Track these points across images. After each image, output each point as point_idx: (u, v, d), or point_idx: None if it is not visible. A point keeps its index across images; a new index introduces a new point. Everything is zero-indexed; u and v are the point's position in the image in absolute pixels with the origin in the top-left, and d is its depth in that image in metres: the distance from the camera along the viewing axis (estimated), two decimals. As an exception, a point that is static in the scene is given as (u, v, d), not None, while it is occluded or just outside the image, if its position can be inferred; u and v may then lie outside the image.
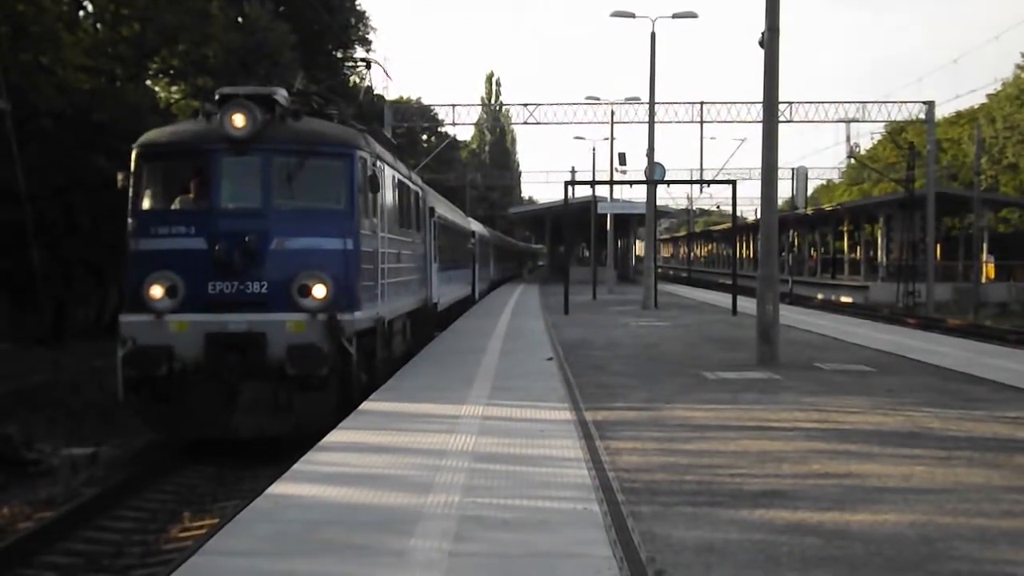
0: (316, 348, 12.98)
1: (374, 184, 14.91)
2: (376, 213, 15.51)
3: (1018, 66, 76.80)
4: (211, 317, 13.20)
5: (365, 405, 13.02)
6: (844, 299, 57.74)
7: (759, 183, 18.46)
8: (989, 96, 77.56)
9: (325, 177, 14.25)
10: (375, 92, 55.81)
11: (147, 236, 13.77)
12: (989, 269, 62.60)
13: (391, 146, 19.90)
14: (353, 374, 13.57)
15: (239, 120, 13.52)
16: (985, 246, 61.88)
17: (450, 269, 30.60)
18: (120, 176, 14.18)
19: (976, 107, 79.20)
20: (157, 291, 13.27)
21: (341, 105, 16.97)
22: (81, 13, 30.99)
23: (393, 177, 17.71)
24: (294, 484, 8.54)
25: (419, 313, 21.69)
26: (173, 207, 14.17)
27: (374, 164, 15.21)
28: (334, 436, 10.77)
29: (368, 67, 31.73)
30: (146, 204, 14.14)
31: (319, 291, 13.42)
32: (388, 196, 16.86)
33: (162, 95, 33.73)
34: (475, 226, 43.53)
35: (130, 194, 14.07)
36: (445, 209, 30.89)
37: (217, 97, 14.22)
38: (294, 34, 36.14)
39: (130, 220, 14.04)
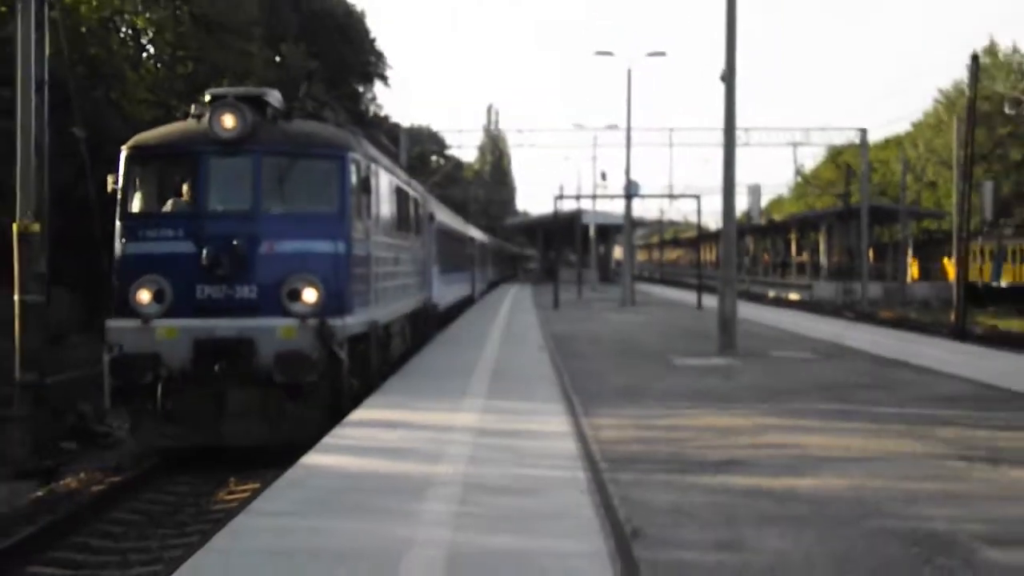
0: (305, 355, 10.94)
1: (367, 186, 12.87)
2: (370, 216, 13.22)
3: (936, 100, 77.18)
4: (199, 323, 11.18)
5: (384, 386, 12.94)
6: (792, 296, 57.68)
7: (720, 197, 18.46)
8: (913, 124, 77.95)
9: (316, 179, 12.18)
10: (391, 121, 55.84)
11: (134, 239, 11.77)
12: (913, 270, 62.69)
13: (389, 152, 17.42)
14: (344, 381, 11.50)
15: (228, 121, 11.55)
16: (910, 251, 62.01)
17: (450, 272, 28.27)
18: (110, 179, 12.19)
19: (902, 134, 79.42)
20: (144, 296, 11.30)
21: (337, 109, 15.09)
22: (144, 55, 31.02)
23: (390, 182, 15.44)
24: (323, 455, 8.53)
25: (419, 314, 19.55)
26: (164, 210, 12.16)
27: (368, 167, 13.08)
28: (356, 414, 10.72)
29: (371, 81, 30.79)
30: (134, 207, 12.06)
31: (309, 295, 11.40)
32: (384, 200, 14.66)
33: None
34: (474, 233, 42.18)
35: (118, 197, 12.05)
36: (445, 216, 28.73)
37: (207, 98, 12.26)
38: (322, 70, 36.12)
39: (118, 223, 11.97)
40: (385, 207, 14.67)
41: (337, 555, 5.67)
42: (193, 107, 12.41)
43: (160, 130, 12.99)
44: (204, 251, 11.20)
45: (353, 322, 11.85)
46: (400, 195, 16.70)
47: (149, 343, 11.03)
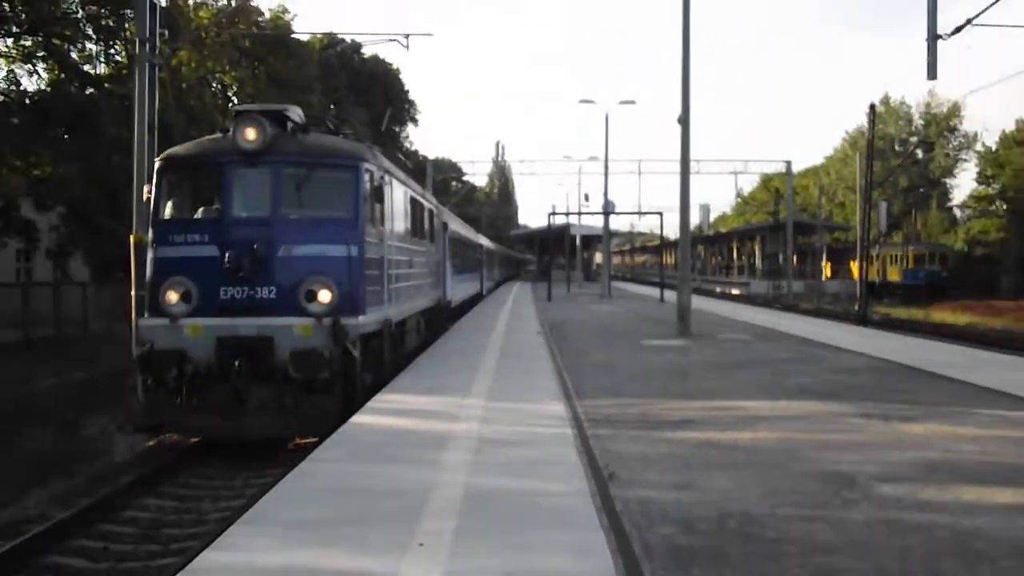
0: (319, 352, 9.45)
1: (380, 195, 11.21)
2: (383, 222, 11.53)
3: (843, 139, 77.24)
4: (223, 321, 9.71)
5: (413, 363, 12.86)
6: (734, 291, 57.58)
7: (678, 214, 18.46)
8: (826, 158, 78.08)
9: (332, 187, 10.57)
10: (420, 155, 55.68)
11: (165, 244, 10.29)
12: (827, 271, 62.57)
13: (405, 168, 15.45)
14: (357, 377, 9.98)
15: (251, 133, 10.11)
16: (824, 256, 61.95)
17: (462, 273, 26.19)
18: (146, 189, 10.77)
19: (818, 165, 79.35)
20: (173, 296, 9.90)
21: (356, 127, 13.34)
22: (230, 105, 31.02)
23: (404, 192, 13.63)
24: (368, 416, 8.52)
25: (434, 310, 17.72)
26: (199, 217, 10.66)
27: (381, 177, 11.40)
28: (392, 384, 10.66)
29: (405, 124, 29.80)
30: (165, 214, 10.57)
31: (324, 296, 9.89)
32: (398, 208, 12.92)
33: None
34: (483, 241, 40.58)
35: (151, 205, 10.70)
36: (458, 226, 26.55)
37: (234, 114, 10.90)
38: (367, 115, 36.10)
39: (151, 229, 10.58)
40: (399, 214, 13.01)
41: (380, 492, 5.67)
42: (225, 122, 11.15)
43: (190, 143, 11.62)
44: (227, 255, 9.78)
45: (366, 321, 10.29)
46: (415, 205, 14.95)
47: (177, 340, 9.65)
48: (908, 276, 51.07)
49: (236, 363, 9.39)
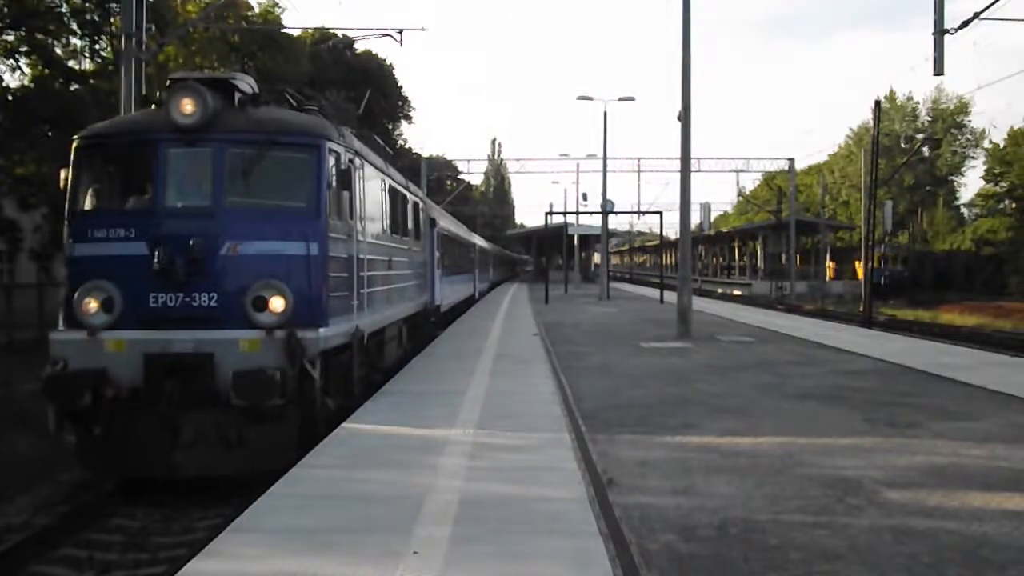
0: (266, 374, 7.67)
1: (348, 181, 9.15)
2: (353, 215, 9.55)
3: (847, 136, 77.42)
4: (152, 335, 7.92)
5: (411, 364, 12.82)
6: (735, 292, 57.63)
7: (678, 213, 18.49)
8: (830, 155, 78.16)
9: (287, 171, 8.66)
10: (414, 152, 55.66)
11: (83, 240, 8.44)
12: (830, 271, 62.69)
13: (384, 153, 13.47)
14: (316, 401, 8.20)
15: (188, 105, 8.22)
16: (828, 256, 62.03)
17: (453, 274, 24.22)
18: (62, 174, 8.84)
19: (821, 163, 79.52)
20: (91, 304, 8.06)
21: (325, 107, 11.42)
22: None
23: (382, 181, 11.81)
24: (361, 421, 8.49)
25: (420, 316, 16.06)
26: (125, 207, 8.82)
27: (351, 160, 9.49)
28: (390, 386, 10.66)
29: (398, 121, 28.22)
30: (84, 204, 8.70)
31: (277, 304, 8.07)
32: (374, 199, 11.02)
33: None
34: (477, 240, 38.70)
35: (67, 193, 8.69)
36: (449, 223, 24.43)
37: (168, 83, 8.83)
38: (358, 112, 36.06)
39: (67, 222, 8.66)
40: (374, 206, 11.10)
41: (373, 498, 5.67)
42: (158, 95, 9.55)
43: (117, 119, 9.70)
44: (157, 253, 7.97)
45: (329, 334, 8.50)
46: (395, 196, 12.96)
47: (95, 358, 7.88)
48: (874, 275, 55.13)
49: (167, 386, 7.88)
